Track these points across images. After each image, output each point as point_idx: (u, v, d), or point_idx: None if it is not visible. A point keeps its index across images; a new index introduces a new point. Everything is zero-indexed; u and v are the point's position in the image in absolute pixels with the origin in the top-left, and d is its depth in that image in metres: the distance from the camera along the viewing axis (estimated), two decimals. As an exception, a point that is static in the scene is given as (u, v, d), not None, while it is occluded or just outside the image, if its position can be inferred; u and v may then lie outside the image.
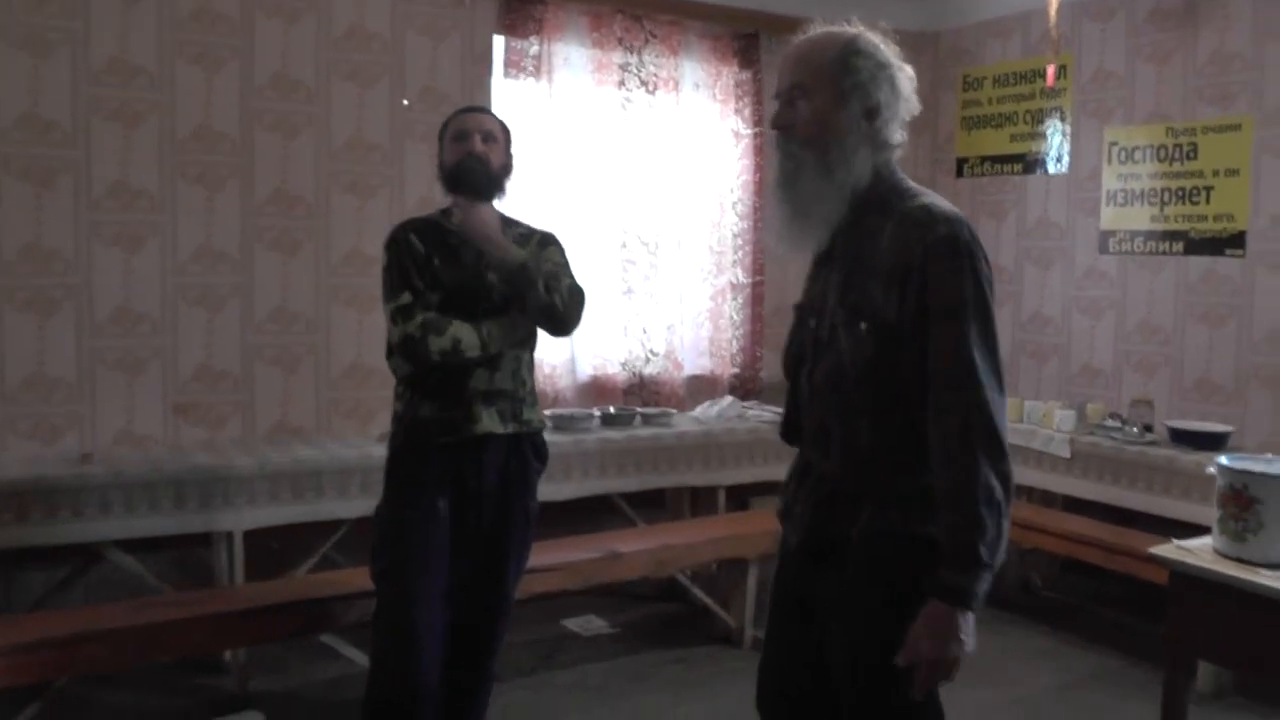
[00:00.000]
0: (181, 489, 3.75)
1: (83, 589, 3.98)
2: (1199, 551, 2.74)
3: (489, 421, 2.97)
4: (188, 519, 3.76)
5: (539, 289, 2.92)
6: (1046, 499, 4.95)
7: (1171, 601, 2.77)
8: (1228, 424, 4.54)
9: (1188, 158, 4.92)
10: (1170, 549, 2.79)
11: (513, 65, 4.83)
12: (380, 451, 3.09)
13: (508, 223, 3.11)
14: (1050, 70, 4.53)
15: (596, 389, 5.15)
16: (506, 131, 3.11)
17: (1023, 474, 4.75)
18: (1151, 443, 4.46)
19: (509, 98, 4.82)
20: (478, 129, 3.02)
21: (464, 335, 2.88)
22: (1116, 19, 5.18)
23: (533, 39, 4.84)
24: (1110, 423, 4.70)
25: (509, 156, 3.09)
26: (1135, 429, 4.53)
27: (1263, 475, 2.62)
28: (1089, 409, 4.84)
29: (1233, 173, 4.75)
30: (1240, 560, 2.63)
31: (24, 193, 4.02)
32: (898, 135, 2.03)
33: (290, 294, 4.50)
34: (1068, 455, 4.62)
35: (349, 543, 4.10)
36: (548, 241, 3.15)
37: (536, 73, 4.86)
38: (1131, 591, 4.65)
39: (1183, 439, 4.41)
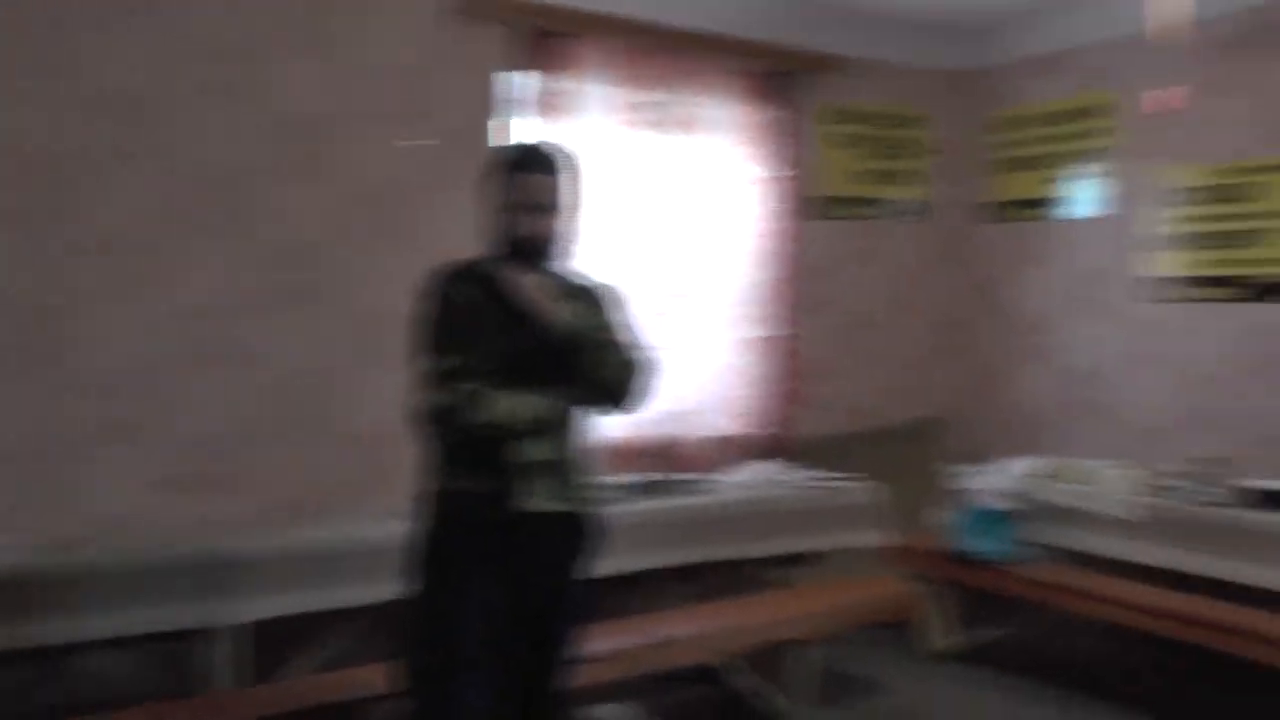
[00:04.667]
0: (171, 579, 3.26)
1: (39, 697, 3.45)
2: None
3: (539, 497, 2.62)
4: (180, 612, 3.28)
5: (590, 360, 2.65)
6: (1114, 567, 4.54)
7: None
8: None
9: (1241, 200, 4.69)
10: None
11: (539, 103, 4.54)
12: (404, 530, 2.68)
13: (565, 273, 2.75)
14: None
15: (619, 451, 4.71)
16: (573, 180, 2.68)
17: (1082, 539, 4.46)
18: (1224, 504, 4.14)
19: (534, 137, 4.45)
20: (535, 203, 2.62)
21: (509, 407, 2.55)
22: (1167, 56, 4.88)
23: (560, 76, 4.56)
24: (1174, 482, 4.35)
25: (573, 207, 2.70)
26: (1213, 488, 4.20)
27: None
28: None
29: (1289, 215, 4.52)
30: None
31: None
32: None
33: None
34: (1127, 516, 4.28)
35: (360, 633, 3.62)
36: (604, 299, 2.80)
37: (562, 111, 4.57)
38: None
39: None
